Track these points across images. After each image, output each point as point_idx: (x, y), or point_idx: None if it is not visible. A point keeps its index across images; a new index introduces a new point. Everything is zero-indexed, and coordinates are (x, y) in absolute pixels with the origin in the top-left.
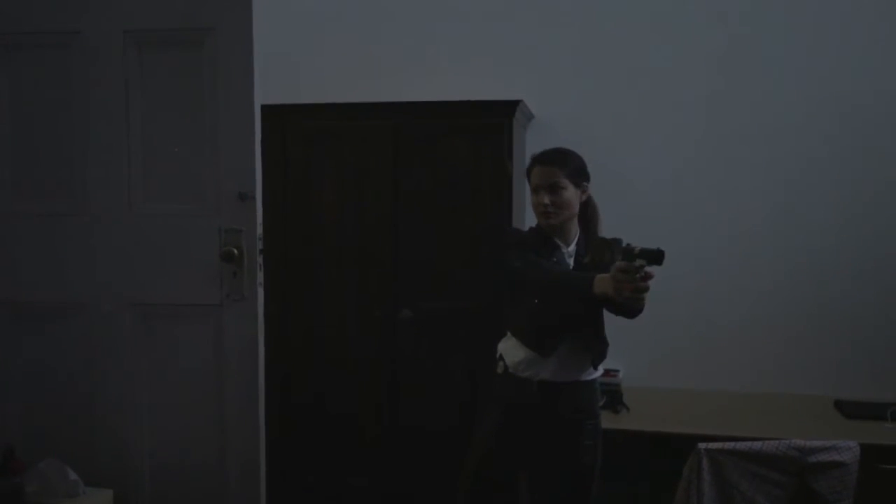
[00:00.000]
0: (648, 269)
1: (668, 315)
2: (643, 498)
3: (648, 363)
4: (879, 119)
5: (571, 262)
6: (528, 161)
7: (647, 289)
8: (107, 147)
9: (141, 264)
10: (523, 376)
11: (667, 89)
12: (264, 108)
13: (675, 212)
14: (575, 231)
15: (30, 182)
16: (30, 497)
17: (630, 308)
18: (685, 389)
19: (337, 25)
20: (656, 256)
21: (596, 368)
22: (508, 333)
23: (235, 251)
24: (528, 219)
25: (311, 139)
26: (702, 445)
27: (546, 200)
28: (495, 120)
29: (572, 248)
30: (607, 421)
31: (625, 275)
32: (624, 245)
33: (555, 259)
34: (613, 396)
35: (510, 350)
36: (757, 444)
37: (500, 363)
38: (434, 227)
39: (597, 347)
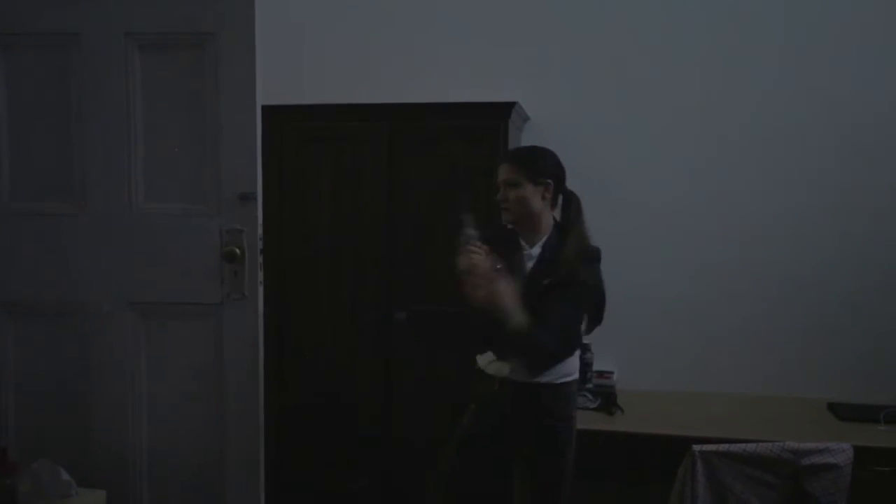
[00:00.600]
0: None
1: (662, 317)
2: (637, 500)
3: (643, 365)
4: (877, 124)
5: (531, 264)
6: None
7: (473, 264)
8: (108, 148)
9: (142, 264)
10: (489, 373)
11: (662, 91)
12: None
13: (669, 214)
14: (544, 233)
15: (31, 182)
16: (22, 498)
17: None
18: (679, 392)
19: (333, 27)
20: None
21: (533, 374)
22: None
23: (238, 251)
24: None
25: (308, 140)
26: (696, 447)
27: (499, 196)
28: (491, 122)
29: (536, 249)
30: (601, 423)
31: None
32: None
33: (515, 258)
34: (608, 398)
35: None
36: (751, 447)
37: (476, 362)
38: (430, 229)
39: (530, 355)
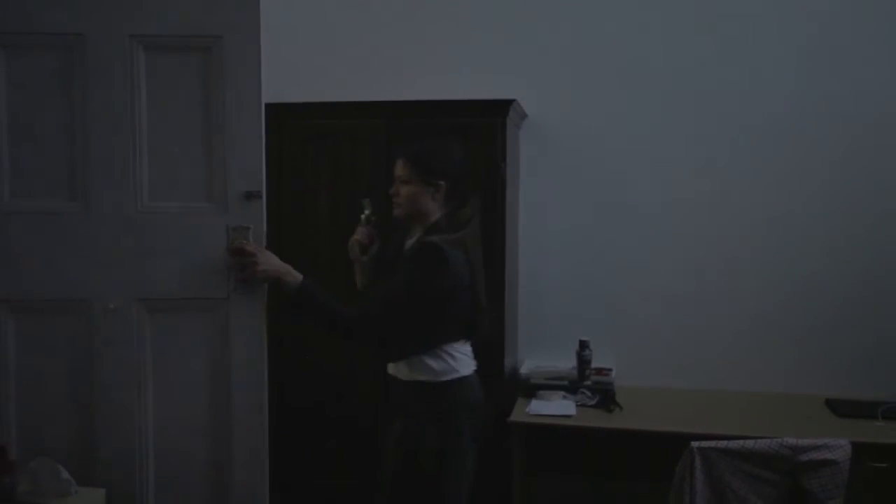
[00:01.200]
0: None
1: (661, 314)
2: (636, 496)
3: (641, 362)
4: (878, 124)
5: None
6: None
7: (237, 251)
8: (114, 148)
9: (149, 260)
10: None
11: (660, 89)
12: None
13: (667, 211)
14: (422, 229)
15: (35, 181)
16: (21, 497)
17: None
18: (678, 388)
19: (332, 25)
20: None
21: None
22: None
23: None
24: (521, 218)
25: (307, 138)
26: (694, 444)
27: (392, 191)
28: (489, 119)
29: (410, 243)
30: (600, 419)
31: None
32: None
33: (393, 250)
34: (606, 395)
35: None
36: (749, 443)
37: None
38: None
39: (392, 349)
